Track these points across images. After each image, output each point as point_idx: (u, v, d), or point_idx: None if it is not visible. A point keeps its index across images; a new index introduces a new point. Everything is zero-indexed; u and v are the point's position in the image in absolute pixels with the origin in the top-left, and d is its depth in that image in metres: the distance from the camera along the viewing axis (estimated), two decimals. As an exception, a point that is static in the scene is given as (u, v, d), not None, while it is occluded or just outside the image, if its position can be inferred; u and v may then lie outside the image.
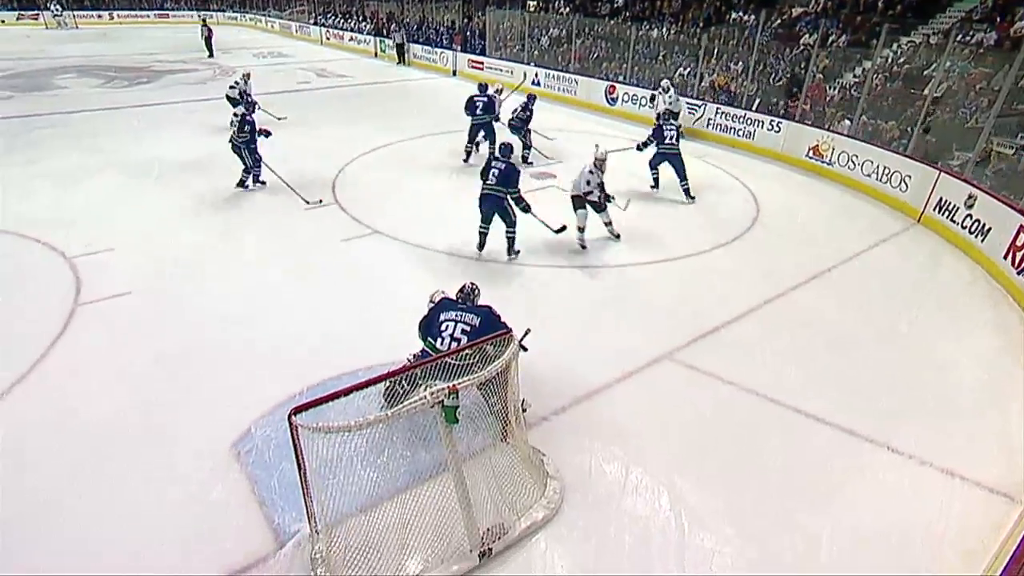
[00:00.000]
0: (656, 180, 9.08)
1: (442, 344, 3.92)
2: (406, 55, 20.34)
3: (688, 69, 13.34)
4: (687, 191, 8.73)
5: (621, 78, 14.26)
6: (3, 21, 29.79)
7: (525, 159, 10.05)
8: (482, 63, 17.57)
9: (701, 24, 14.26)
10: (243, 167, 8.54)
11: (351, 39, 24.09)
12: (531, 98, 10.16)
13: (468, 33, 19.32)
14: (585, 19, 16.36)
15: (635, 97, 13.33)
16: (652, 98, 12.15)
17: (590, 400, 4.62)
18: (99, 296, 5.78)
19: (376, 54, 22.10)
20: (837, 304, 6.09)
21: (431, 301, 4.33)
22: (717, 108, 11.80)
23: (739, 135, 11.48)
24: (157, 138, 11.11)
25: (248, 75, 11.79)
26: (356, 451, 3.32)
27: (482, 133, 9.90)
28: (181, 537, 3.42)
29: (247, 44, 25.24)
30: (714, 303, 5.98)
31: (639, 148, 9.06)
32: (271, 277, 6.27)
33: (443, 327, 3.97)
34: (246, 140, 8.30)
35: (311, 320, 5.46)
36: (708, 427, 4.40)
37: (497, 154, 6.73)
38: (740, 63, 12.57)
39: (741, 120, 11.43)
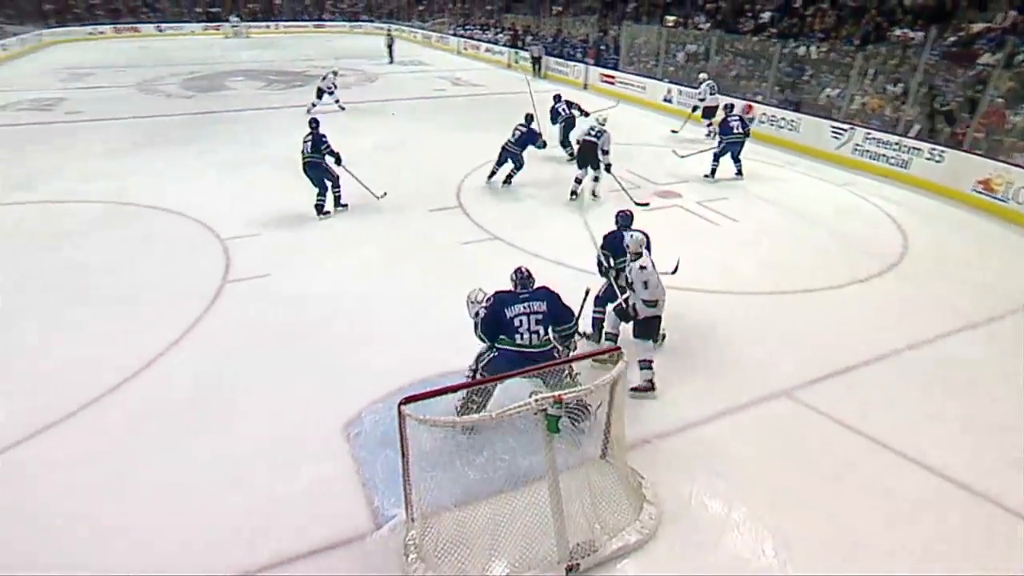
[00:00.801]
0: (714, 171, 9.92)
1: (523, 339, 3.90)
2: (541, 68, 20.59)
3: (837, 90, 12.40)
4: (739, 169, 9.98)
5: (760, 97, 13.57)
6: (192, 32, 34.74)
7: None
8: (614, 77, 17.49)
9: (858, 42, 13.19)
10: (323, 190, 7.92)
11: (486, 50, 24.98)
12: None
13: (603, 47, 19.33)
14: (726, 35, 15.75)
15: (774, 118, 12.61)
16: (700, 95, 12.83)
17: (696, 428, 4.40)
18: (244, 275, 6.43)
19: (510, 65, 22.73)
20: (999, 358, 5.35)
21: (473, 301, 4.29)
22: (867, 133, 10.85)
23: (891, 163, 10.45)
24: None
25: (336, 72, 14.33)
26: (457, 448, 3.43)
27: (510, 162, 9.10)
28: (287, 504, 3.67)
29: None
30: (845, 342, 5.48)
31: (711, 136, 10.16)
32: (395, 271, 6.64)
33: (517, 322, 3.92)
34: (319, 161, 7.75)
35: (426, 316, 5.70)
36: (826, 475, 4.03)
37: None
38: (900, 84, 11.47)
39: (895, 147, 10.40)
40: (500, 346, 3.99)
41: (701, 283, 6.47)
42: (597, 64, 18.69)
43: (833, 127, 11.41)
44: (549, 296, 4.07)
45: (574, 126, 10.81)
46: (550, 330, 3.96)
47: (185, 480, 3.83)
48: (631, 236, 4.70)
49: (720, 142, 9.94)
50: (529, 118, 9.17)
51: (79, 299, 5.94)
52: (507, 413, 3.04)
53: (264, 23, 37.05)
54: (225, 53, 25.93)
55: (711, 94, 12.69)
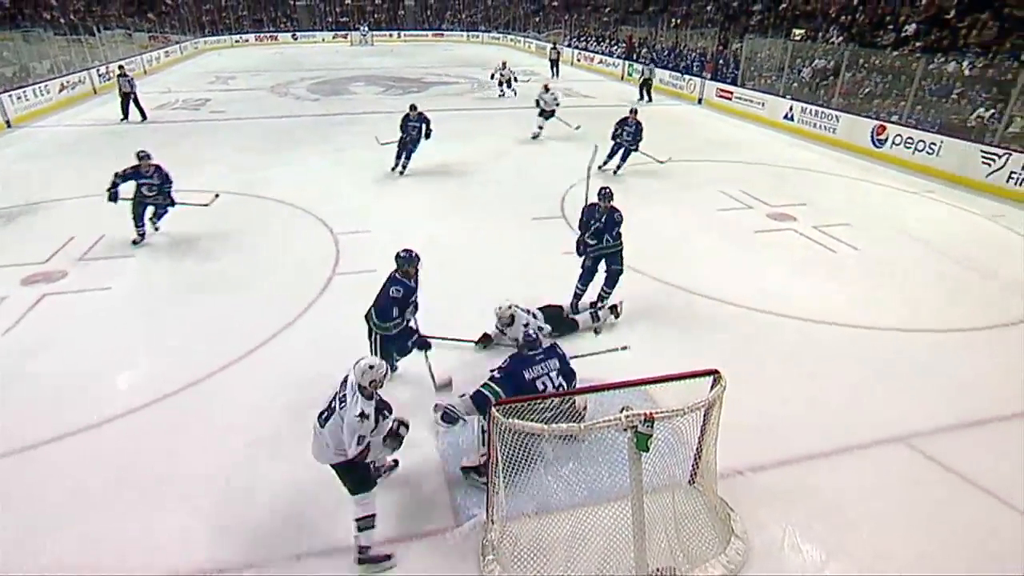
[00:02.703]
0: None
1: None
2: (650, 90, 18.36)
3: (991, 111, 11.15)
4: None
5: (896, 117, 12.48)
6: (323, 40, 37.78)
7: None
8: (731, 93, 16.83)
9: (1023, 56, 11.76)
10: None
11: (600, 61, 24.93)
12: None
13: (721, 61, 18.67)
14: (861, 49, 14.66)
15: (910, 140, 11.54)
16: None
17: (796, 466, 4.11)
18: (352, 269, 6.81)
19: (623, 77, 22.52)
20: None
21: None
22: (1024, 160, 9.65)
23: (1053, 195, 9.23)
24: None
25: (505, 63, 16.47)
26: (543, 456, 3.42)
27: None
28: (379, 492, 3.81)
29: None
30: (978, 391, 4.90)
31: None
32: (492, 276, 6.75)
33: (540, 385, 3.76)
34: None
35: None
36: (942, 533, 3.63)
37: None
38: (1071, 106, 10.13)
39: (1058, 177, 9.18)
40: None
41: (808, 310, 6.08)
42: (715, 79, 18.07)
43: (984, 152, 10.26)
44: (559, 354, 3.99)
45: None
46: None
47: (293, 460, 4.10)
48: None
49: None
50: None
51: (206, 283, 6.57)
52: (596, 426, 2.99)
53: (388, 31, 39.38)
54: (349, 59, 27.73)
55: (556, 103, 13.21)
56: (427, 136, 10.37)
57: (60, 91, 16.00)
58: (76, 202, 8.84)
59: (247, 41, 36.31)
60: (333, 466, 3.29)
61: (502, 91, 18.53)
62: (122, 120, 14.23)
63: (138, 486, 3.87)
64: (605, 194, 5.82)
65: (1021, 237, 8.25)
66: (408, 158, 10.30)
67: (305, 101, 17.58)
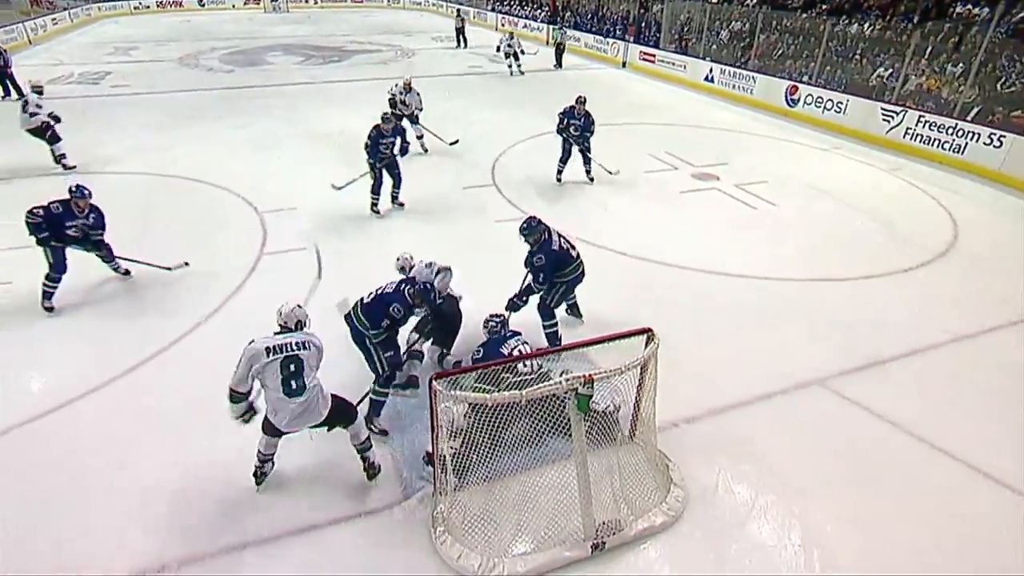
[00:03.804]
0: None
1: (525, 367, 3.79)
2: (561, 56, 18.09)
3: (889, 71, 11.87)
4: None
5: (806, 78, 13.09)
6: (234, 6, 35.08)
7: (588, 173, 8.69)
8: (654, 55, 17.08)
9: (916, 19, 12.53)
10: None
11: (524, 26, 24.63)
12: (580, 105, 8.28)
13: (643, 24, 18.85)
14: (773, 12, 15.18)
15: (820, 100, 12.16)
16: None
17: (726, 414, 4.36)
18: (280, 248, 6.56)
19: (547, 42, 22.36)
20: (1050, 357, 5.13)
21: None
22: (920, 116, 10.37)
23: (945, 148, 9.98)
24: (343, 111, 12.27)
25: (408, 83, 9.77)
26: (486, 425, 3.47)
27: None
28: (314, 472, 3.78)
29: (425, 28, 26.79)
30: (884, 333, 5.33)
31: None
32: (427, 247, 6.64)
33: (514, 352, 3.91)
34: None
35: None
36: (857, 464, 3.97)
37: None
38: (960, 65, 10.91)
39: (950, 131, 9.91)
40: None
41: (734, 267, 6.38)
42: (637, 42, 18.26)
43: (884, 109, 10.95)
44: (521, 339, 4.09)
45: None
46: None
47: (220, 445, 3.96)
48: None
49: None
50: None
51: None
52: (538, 391, 3.05)
53: (303, -2, 37.16)
54: (263, 27, 26.15)
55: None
56: (403, 152, 8.05)
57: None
58: (-41, 190, 8.01)
59: (148, 8, 33.31)
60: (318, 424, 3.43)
61: (511, 67, 16.36)
62: (2, 98, 12.86)
63: (66, 484, 3.67)
64: (582, 100, 8.03)
65: (916, 188, 8.92)
66: (399, 184, 7.62)
67: (218, 73, 16.47)
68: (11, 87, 12.99)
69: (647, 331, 3.49)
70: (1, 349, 4.96)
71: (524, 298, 4.96)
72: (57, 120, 8.61)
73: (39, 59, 17.50)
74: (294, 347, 3.26)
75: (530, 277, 4.80)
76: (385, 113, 7.34)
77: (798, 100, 12.67)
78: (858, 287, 6.14)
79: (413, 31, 24.30)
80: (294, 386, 3.23)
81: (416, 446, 3.95)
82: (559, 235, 4.79)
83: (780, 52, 14.43)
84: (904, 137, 10.60)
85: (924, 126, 10.29)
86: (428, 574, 3.18)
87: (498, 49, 16.72)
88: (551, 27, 20.77)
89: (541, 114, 10.92)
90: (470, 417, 3.42)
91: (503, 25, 26.27)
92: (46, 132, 8.54)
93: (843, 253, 6.85)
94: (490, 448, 3.46)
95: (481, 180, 8.74)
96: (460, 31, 21.53)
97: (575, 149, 8.39)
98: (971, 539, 3.47)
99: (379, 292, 4.09)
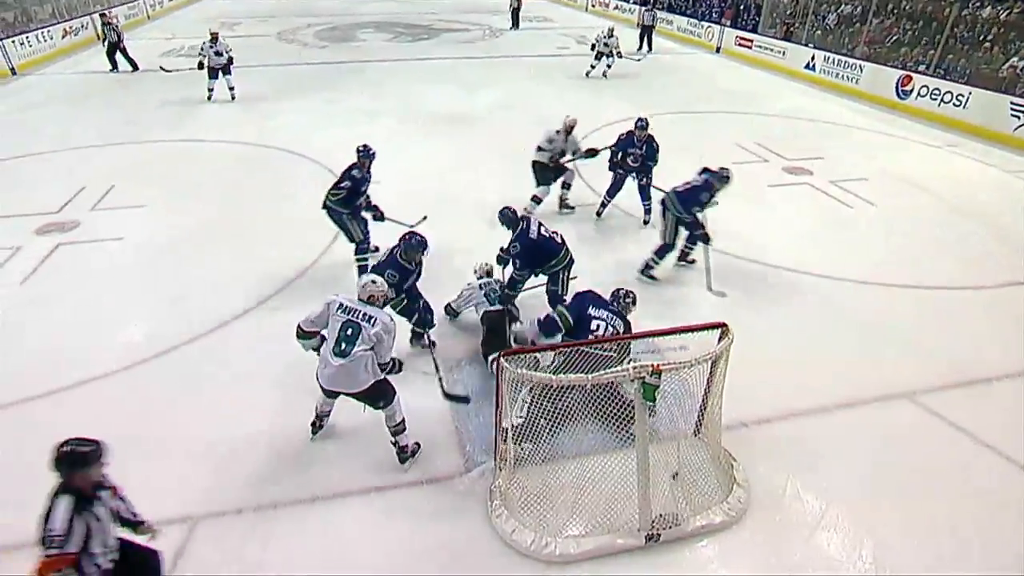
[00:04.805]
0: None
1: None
2: (651, 39, 16.79)
3: None
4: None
5: (922, 67, 12.01)
6: None
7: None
8: (751, 41, 16.22)
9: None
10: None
11: (615, 7, 23.99)
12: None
13: (741, 7, 17.92)
14: (890, -7, 14.01)
15: (936, 92, 11.14)
16: None
17: (801, 419, 4.16)
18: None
19: (639, 24, 21.72)
20: None
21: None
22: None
23: (1082, 151, 8.93)
24: (428, 90, 12.47)
25: (216, 35, 10.94)
26: (551, 405, 3.49)
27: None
28: (383, 438, 3.81)
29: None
30: (987, 350, 4.90)
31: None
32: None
33: (595, 326, 3.85)
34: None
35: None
36: (940, 483, 3.71)
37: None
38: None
39: (1090, 132, 8.85)
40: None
41: (822, 267, 6.03)
42: (734, 26, 17.39)
43: (1014, 104, 9.89)
44: (629, 325, 3.99)
45: None
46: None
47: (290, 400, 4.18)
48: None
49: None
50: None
51: (216, 234, 6.58)
52: (604, 377, 3.03)
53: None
54: (356, 5, 26.86)
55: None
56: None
57: (63, 37, 15.70)
58: (84, 152, 8.82)
59: (251, -15, 35.14)
60: (354, 393, 3.48)
61: (593, 67, 13.75)
62: (111, 70, 13.56)
63: (143, 437, 3.85)
64: (641, 124, 6.53)
65: (1044, 194, 8.06)
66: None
67: (312, 48, 17.17)
68: (126, 60, 13.68)
69: (721, 325, 3.37)
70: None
71: (513, 289, 4.88)
72: (231, 61, 11.09)
73: (155, 33, 18.83)
74: (361, 316, 3.37)
75: (510, 268, 4.86)
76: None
77: (910, 91, 11.67)
78: (961, 297, 5.66)
79: (500, 10, 24.23)
80: (343, 347, 3.35)
81: (480, 420, 4.03)
82: (539, 224, 4.80)
83: (894, 38, 13.32)
84: (1035, 137, 9.56)
85: (1059, 125, 9.24)
86: (482, 545, 3.25)
87: (593, 47, 13.81)
88: (642, 8, 20.09)
89: (621, 100, 10.66)
90: (536, 392, 3.45)
91: (592, 6, 25.70)
92: (229, 68, 11.10)
93: (947, 260, 6.31)
94: (552, 427, 3.48)
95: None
96: (516, 11, 20.40)
97: (630, 182, 6.83)
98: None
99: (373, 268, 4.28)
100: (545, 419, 3.45)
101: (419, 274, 4.45)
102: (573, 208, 7.22)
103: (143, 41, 16.71)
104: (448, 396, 3.98)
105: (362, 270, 5.50)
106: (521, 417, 3.62)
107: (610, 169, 6.83)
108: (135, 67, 13.78)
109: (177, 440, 3.90)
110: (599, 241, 6.62)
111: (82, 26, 16.82)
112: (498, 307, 4.70)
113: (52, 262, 5.97)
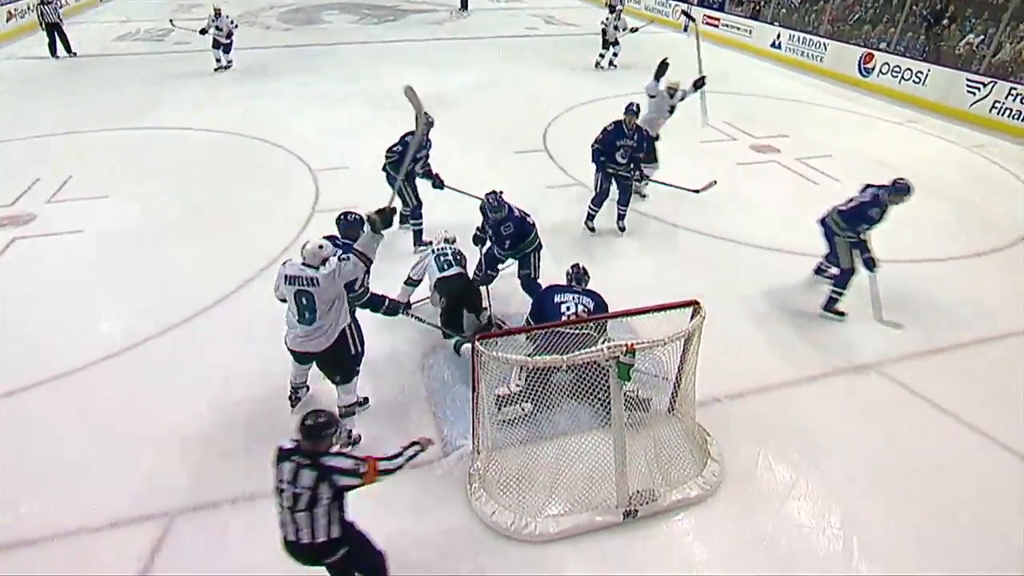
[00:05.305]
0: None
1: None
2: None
3: (981, 37, 10.94)
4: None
5: (884, 45, 12.23)
6: None
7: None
8: (718, 19, 16.28)
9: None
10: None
11: (583, -14, 23.79)
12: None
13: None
14: (852, -28, 14.16)
15: (897, 69, 11.37)
16: None
17: (771, 393, 4.27)
18: (332, 206, 6.64)
19: (607, 4, 21.60)
20: None
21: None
22: (1011, 88, 9.58)
23: (1037, 124, 9.21)
24: (396, 72, 12.22)
25: (218, 10, 11.88)
26: (526, 388, 3.51)
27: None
28: (358, 427, 3.86)
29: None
30: (953, 319, 5.08)
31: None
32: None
33: (562, 307, 3.96)
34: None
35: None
36: (909, 453, 3.84)
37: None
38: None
39: (1044, 106, 9.13)
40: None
41: (791, 243, 6.14)
42: (701, 4, 17.42)
43: (970, 80, 10.15)
44: (600, 301, 4.07)
45: None
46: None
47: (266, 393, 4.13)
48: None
49: None
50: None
51: (182, 224, 6.40)
52: (579, 358, 3.05)
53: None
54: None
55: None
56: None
57: (7, 20, 14.94)
58: (36, 142, 8.45)
59: (209, -35, 33.89)
60: (321, 359, 3.56)
61: (603, 56, 12.80)
62: (52, 56, 12.73)
63: (112, 434, 3.82)
64: (632, 109, 5.92)
65: (999, 168, 8.31)
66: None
67: (276, 31, 16.68)
68: (63, 46, 12.71)
69: (694, 303, 3.42)
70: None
71: (491, 270, 4.99)
72: (231, 36, 11.78)
73: (108, 16, 18.05)
74: (305, 282, 3.38)
75: (492, 247, 4.94)
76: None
77: (872, 69, 11.89)
78: (924, 270, 5.84)
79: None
80: (307, 316, 3.42)
81: (458, 404, 4.03)
82: (515, 207, 4.87)
83: (856, 16, 13.50)
84: (991, 112, 9.84)
85: (1016, 99, 9.52)
86: (462, 528, 3.28)
87: (604, 33, 12.63)
88: None
89: (590, 80, 10.62)
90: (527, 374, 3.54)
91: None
92: (229, 47, 11.95)
93: (910, 234, 6.45)
94: (536, 408, 3.53)
95: (534, 146, 8.62)
96: None
97: (619, 187, 6.15)
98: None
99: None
100: (532, 401, 3.48)
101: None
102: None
103: (95, 25, 16.02)
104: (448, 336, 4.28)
105: (417, 235, 5.83)
106: (519, 385, 3.73)
107: (598, 164, 6.06)
108: (70, 53, 12.88)
109: (149, 435, 3.82)
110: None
111: (28, 8, 16.01)
112: (448, 273, 4.58)
113: (6, 259, 5.74)
